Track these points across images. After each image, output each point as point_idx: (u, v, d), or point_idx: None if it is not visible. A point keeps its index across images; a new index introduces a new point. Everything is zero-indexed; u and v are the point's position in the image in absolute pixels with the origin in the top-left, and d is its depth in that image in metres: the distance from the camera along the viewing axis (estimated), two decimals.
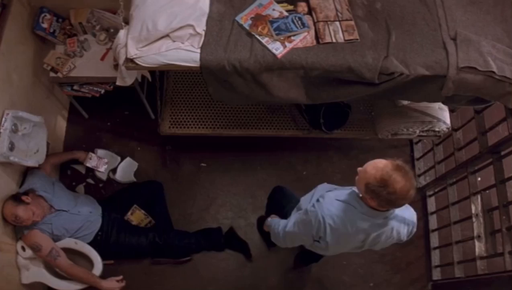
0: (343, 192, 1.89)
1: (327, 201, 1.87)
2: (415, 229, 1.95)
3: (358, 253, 2.99)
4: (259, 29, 2.07)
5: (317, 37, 2.08)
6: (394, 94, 2.22)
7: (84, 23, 2.72)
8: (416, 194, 3.13)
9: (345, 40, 2.06)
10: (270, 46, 2.03)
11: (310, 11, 2.14)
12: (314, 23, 2.11)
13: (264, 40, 2.05)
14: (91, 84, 2.79)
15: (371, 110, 2.99)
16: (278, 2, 2.17)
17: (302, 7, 2.15)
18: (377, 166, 1.63)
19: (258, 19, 2.09)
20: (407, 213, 1.88)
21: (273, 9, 2.13)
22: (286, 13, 2.11)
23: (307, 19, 2.11)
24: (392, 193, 1.59)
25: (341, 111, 2.88)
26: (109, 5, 2.69)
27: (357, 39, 2.06)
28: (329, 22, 2.10)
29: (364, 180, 1.66)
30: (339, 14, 2.12)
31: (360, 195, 1.76)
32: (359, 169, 1.71)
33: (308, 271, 2.99)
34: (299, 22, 2.07)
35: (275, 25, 2.05)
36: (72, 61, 2.69)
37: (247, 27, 2.08)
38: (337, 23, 2.10)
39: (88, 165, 2.98)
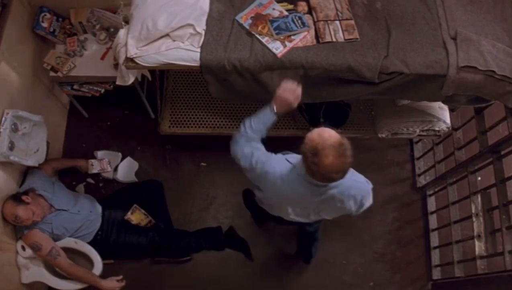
0: (296, 155, 1.86)
1: (276, 157, 1.87)
2: (366, 203, 1.91)
3: (358, 253, 3.04)
4: (259, 28, 2.07)
5: (317, 36, 2.08)
6: (394, 94, 2.22)
7: (84, 23, 2.73)
8: (416, 193, 3.17)
9: (345, 39, 2.06)
10: (270, 46, 2.03)
11: (310, 11, 2.14)
12: (314, 23, 2.11)
13: (264, 40, 2.05)
14: (91, 83, 2.79)
15: (371, 109, 2.99)
16: (278, 2, 2.16)
17: (302, 6, 2.15)
18: (322, 135, 1.60)
19: (258, 18, 2.09)
20: (354, 185, 1.83)
21: (273, 9, 2.13)
22: (286, 13, 2.11)
23: (307, 18, 2.11)
24: (315, 164, 1.59)
25: (341, 110, 2.88)
26: (109, 4, 2.69)
27: (357, 39, 2.06)
28: (329, 22, 2.10)
29: (306, 139, 1.64)
30: (339, 13, 2.12)
31: None
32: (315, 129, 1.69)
33: (308, 270, 2.99)
34: (299, 21, 2.07)
35: (275, 24, 2.05)
36: (72, 61, 2.70)
37: (247, 27, 2.08)
38: (337, 22, 2.10)
39: (94, 171, 3.00)
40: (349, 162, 1.61)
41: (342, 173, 1.63)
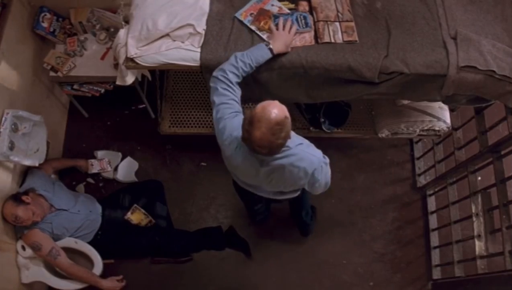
0: None
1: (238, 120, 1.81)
2: (320, 178, 1.89)
3: (358, 253, 3.04)
4: (261, 24, 2.06)
5: (316, 36, 2.08)
6: (394, 94, 2.22)
7: (84, 23, 2.73)
8: (416, 193, 3.17)
9: (343, 41, 2.06)
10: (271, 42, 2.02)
11: (311, 10, 2.14)
12: (314, 23, 2.10)
13: (265, 36, 2.04)
14: (91, 83, 2.79)
15: (371, 109, 2.99)
16: (280, 0, 2.16)
17: (303, 6, 2.15)
18: (265, 108, 1.60)
19: (261, 13, 2.08)
20: (306, 157, 1.81)
21: (272, 5, 2.12)
22: (286, 10, 2.10)
23: (310, 19, 2.10)
24: (247, 131, 1.62)
25: (341, 110, 2.88)
26: (109, 4, 2.69)
27: (355, 41, 2.06)
28: (329, 22, 2.09)
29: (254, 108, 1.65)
30: (339, 14, 2.11)
31: None
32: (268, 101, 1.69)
33: (308, 270, 2.99)
34: (303, 21, 2.06)
35: (277, 21, 2.04)
36: (72, 61, 2.70)
37: (248, 23, 2.08)
38: (337, 23, 2.10)
39: (94, 171, 3.00)
40: (279, 143, 1.63)
41: (267, 150, 1.65)
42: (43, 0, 2.68)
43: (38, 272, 2.59)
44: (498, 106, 2.41)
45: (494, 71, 1.96)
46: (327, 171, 1.92)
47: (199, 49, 2.07)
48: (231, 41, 2.06)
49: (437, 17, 2.11)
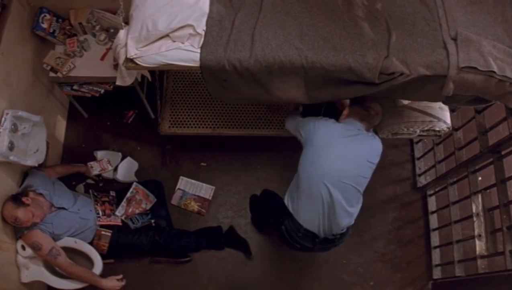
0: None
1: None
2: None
3: (358, 252, 3.04)
4: None
5: None
6: (395, 94, 2.21)
7: (84, 23, 2.72)
8: (417, 193, 3.17)
9: None
10: None
11: None
12: None
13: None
14: (90, 84, 2.79)
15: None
16: None
17: None
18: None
19: None
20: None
21: None
22: None
23: None
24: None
25: (341, 111, 2.87)
26: (109, 5, 2.69)
27: None
28: None
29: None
30: None
31: None
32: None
33: (308, 270, 2.99)
34: None
35: None
36: (71, 61, 2.70)
37: None
38: None
39: (95, 173, 3.00)
40: None
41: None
42: (43, 1, 2.67)
43: (37, 272, 2.59)
44: (498, 107, 2.41)
45: (494, 72, 1.96)
46: None
47: (199, 50, 2.06)
48: (231, 42, 2.06)
49: (438, 18, 2.10)
